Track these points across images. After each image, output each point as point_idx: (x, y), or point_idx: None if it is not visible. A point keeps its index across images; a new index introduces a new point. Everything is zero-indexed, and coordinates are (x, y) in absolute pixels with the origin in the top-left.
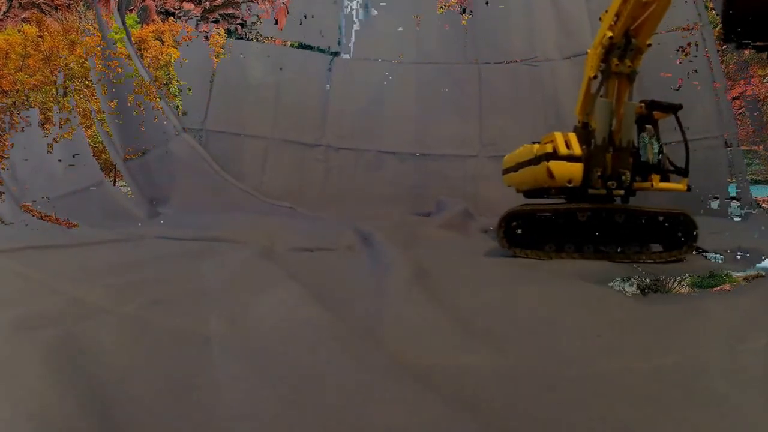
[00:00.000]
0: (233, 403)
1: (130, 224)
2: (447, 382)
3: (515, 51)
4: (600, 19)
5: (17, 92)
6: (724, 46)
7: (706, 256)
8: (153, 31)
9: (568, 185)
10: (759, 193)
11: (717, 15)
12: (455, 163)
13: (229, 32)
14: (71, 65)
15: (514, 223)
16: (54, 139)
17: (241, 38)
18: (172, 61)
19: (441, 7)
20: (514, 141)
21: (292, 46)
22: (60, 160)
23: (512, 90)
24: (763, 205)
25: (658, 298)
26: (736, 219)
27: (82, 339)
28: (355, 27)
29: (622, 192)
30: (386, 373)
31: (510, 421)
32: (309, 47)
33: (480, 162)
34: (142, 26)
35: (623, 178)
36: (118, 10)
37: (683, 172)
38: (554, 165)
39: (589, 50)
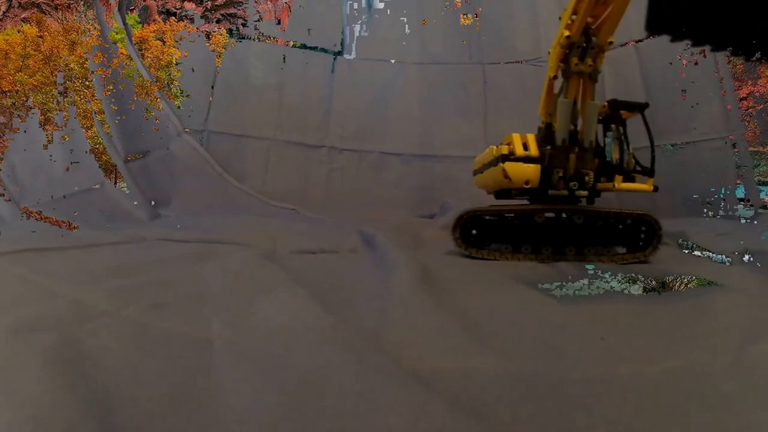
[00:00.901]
0: (235, 407)
1: (131, 226)
2: (452, 386)
3: (520, 51)
4: (559, 18)
5: (17, 93)
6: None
7: (712, 257)
8: (154, 31)
9: (525, 186)
10: (766, 194)
11: None
12: (460, 165)
13: (230, 32)
14: (71, 65)
15: (470, 225)
16: (52, 138)
17: (243, 38)
18: (174, 61)
19: (446, 7)
20: None
21: (294, 46)
22: (55, 161)
23: (517, 90)
24: None
25: (663, 299)
26: (744, 221)
27: (82, 342)
28: (359, 27)
29: (585, 193)
30: (390, 377)
31: (515, 425)
32: (312, 47)
33: None
34: (143, 26)
35: (586, 179)
36: (119, 9)
37: (649, 173)
38: (509, 166)
39: (550, 50)
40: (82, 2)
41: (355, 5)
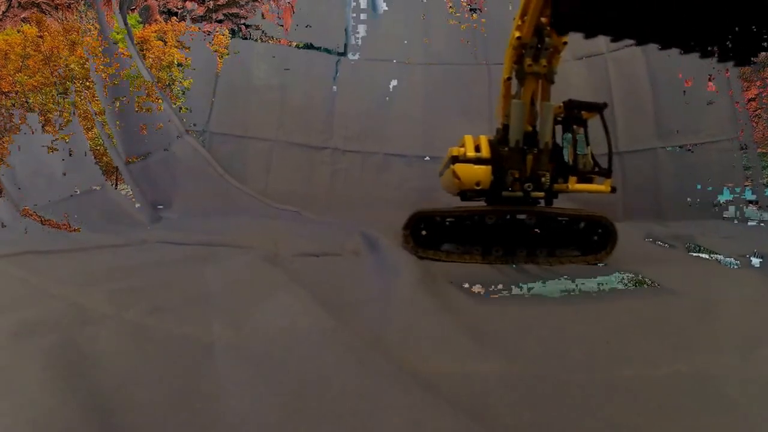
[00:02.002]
0: (236, 409)
1: (132, 228)
2: (455, 389)
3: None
4: (514, 18)
5: (17, 94)
6: None
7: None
8: (155, 31)
9: (476, 188)
10: None
11: None
12: None
13: (233, 32)
14: (72, 66)
15: (420, 225)
16: (52, 139)
17: (246, 38)
18: (175, 61)
19: (450, 7)
20: None
21: (297, 46)
22: (63, 159)
23: None
24: None
25: (667, 302)
26: (752, 223)
27: (82, 345)
28: (362, 27)
29: (542, 194)
30: (392, 380)
31: (518, 429)
32: (315, 48)
33: None
34: (144, 26)
35: (543, 180)
36: (120, 9)
37: (606, 173)
38: (460, 168)
39: (506, 51)
40: (82, 2)
41: (360, 5)
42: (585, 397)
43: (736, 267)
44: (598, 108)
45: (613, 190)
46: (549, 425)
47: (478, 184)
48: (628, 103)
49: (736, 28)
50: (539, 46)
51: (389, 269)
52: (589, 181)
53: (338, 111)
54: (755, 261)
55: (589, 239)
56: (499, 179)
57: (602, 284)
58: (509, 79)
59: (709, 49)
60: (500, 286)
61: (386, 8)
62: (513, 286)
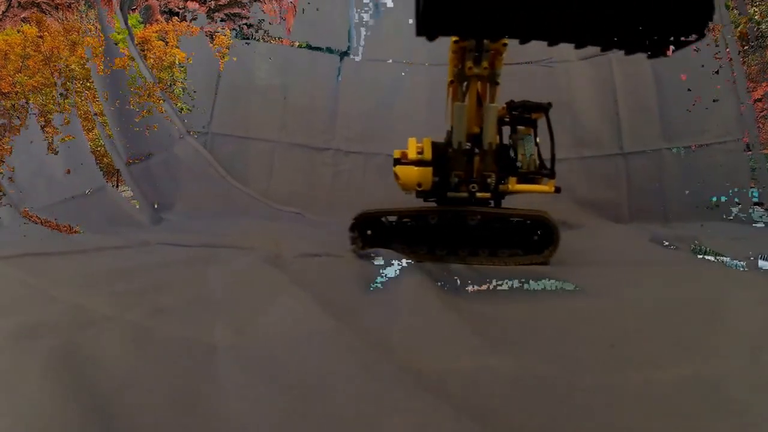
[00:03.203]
0: (239, 413)
1: (133, 230)
2: (459, 390)
3: (530, 52)
4: None
5: (16, 94)
6: (746, 47)
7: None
8: (156, 31)
9: (418, 189)
10: None
11: (738, 15)
12: None
13: (235, 32)
14: (72, 66)
15: (365, 225)
16: (53, 140)
17: (248, 38)
18: (176, 62)
19: None
20: None
21: (299, 46)
22: (55, 163)
23: (528, 91)
24: None
25: (671, 304)
26: (759, 225)
27: (84, 348)
28: (365, 28)
29: (488, 195)
30: (396, 382)
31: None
32: (317, 48)
33: None
34: (145, 26)
35: (488, 180)
36: (121, 9)
37: (549, 174)
38: (400, 169)
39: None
40: (83, 2)
41: (363, 5)
42: (592, 401)
43: (742, 269)
44: (542, 108)
45: (557, 190)
46: (555, 428)
47: (419, 185)
48: (633, 104)
49: (637, 20)
50: (479, 48)
51: (393, 269)
52: (532, 181)
53: (341, 112)
54: (762, 263)
55: (532, 239)
56: (443, 180)
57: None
58: (452, 82)
59: (614, 40)
60: (504, 285)
61: (391, 5)
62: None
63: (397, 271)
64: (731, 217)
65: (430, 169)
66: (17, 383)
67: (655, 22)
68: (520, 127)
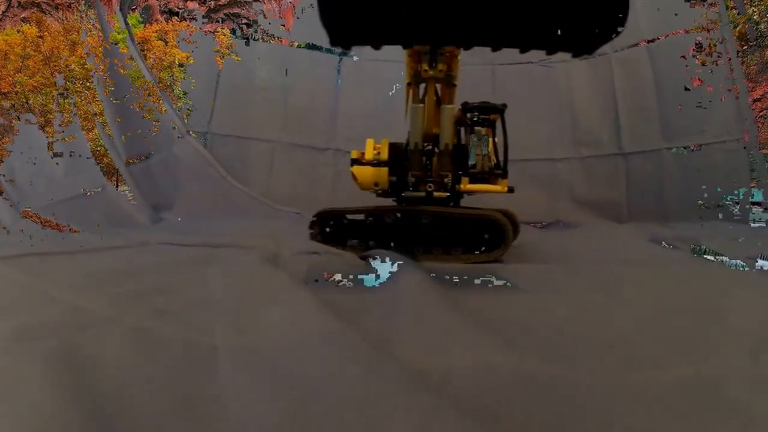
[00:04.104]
0: (240, 414)
1: (133, 230)
2: (461, 390)
3: (530, 52)
4: None
5: (16, 94)
6: (745, 47)
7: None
8: (156, 31)
9: (375, 188)
10: None
11: (738, 15)
12: None
13: (234, 32)
14: (72, 66)
15: (324, 222)
16: (52, 140)
17: (247, 38)
18: (176, 61)
19: None
20: (529, 144)
21: (299, 46)
22: (58, 163)
23: (527, 91)
24: None
25: (670, 304)
26: (757, 225)
27: (84, 349)
28: None
29: (445, 194)
30: (399, 383)
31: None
32: (317, 48)
33: None
34: (145, 26)
35: (446, 180)
36: (120, 9)
37: (502, 174)
38: (357, 170)
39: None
40: (83, 2)
41: None
42: (593, 401)
43: (741, 269)
44: (497, 110)
45: (510, 190)
46: (557, 428)
47: (376, 184)
48: (632, 104)
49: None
50: (434, 51)
51: (393, 267)
52: (486, 181)
53: (341, 112)
54: (761, 263)
55: (484, 237)
56: (400, 180)
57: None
58: (410, 84)
59: (531, 43)
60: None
61: None
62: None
63: (395, 270)
64: (730, 217)
65: (385, 170)
66: (17, 384)
67: (570, 24)
68: (478, 128)
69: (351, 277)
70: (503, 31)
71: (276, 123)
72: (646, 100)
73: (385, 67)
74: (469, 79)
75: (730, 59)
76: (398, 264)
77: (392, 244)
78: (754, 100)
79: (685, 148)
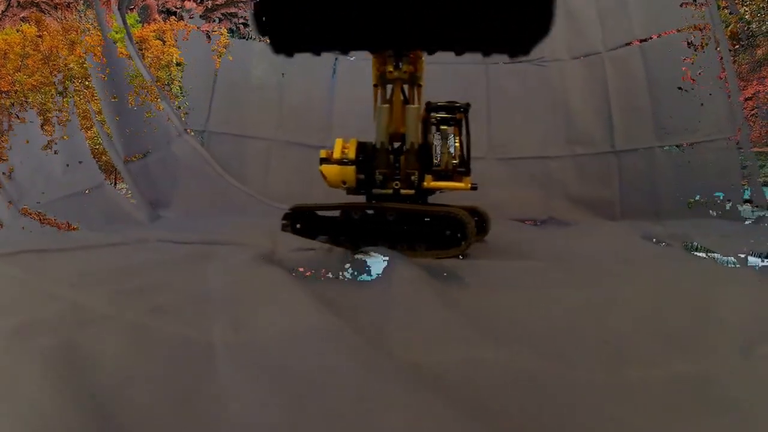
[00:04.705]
0: (238, 410)
1: (131, 227)
2: (456, 385)
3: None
4: None
5: (16, 93)
6: (737, 46)
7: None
8: (154, 31)
9: (343, 186)
10: None
11: (729, 14)
12: None
13: (231, 32)
14: (71, 65)
15: (295, 218)
16: (51, 139)
17: (244, 38)
18: (174, 61)
19: None
20: (523, 142)
21: None
22: (55, 161)
23: (521, 90)
24: None
25: (663, 300)
26: (749, 222)
27: (82, 346)
28: None
29: (412, 192)
30: (395, 378)
31: (521, 426)
32: None
33: (488, 163)
34: (143, 25)
35: (412, 178)
36: (119, 8)
37: (464, 172)
38: (325, 168)
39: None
40: (81, 1)
41: None
42: (587, 397)
43: (733, 266)
44: (461, 109)
45: (473, 187)
46: (552, 424)
47: (344, 182)
48: (625, 103)
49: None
50: (398, 53)
51: (388, 265)
52: (449, 178)
53: (336, 110)
54: (752, 260)
55: (446, 234)
56: (368, 178)
57: None
58: (376, 85)
59: (466, 45)
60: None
61: None
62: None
63: (389, 266)
64: (722, 214)
65: (352, 168)
66: (16, 381)
67: (501, 28)
68: (444, 127)
69: (348, 272)
70: (438, 35)
71: (272, 121)
72: (639, 99)
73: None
74: (463, 78)
75: (721, 58)
76: (391, 260)
77: (360, 239)
78: (746, 99)
79: (677, 146)
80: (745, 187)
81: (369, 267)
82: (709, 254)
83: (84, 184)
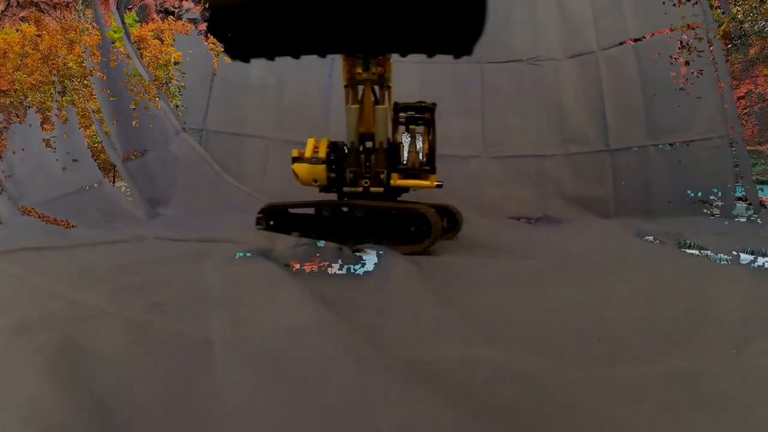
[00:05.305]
0: (235, 406)
1: (130, 225)
2: (451, 382)
3: (519, 50)
4: None
5: (15, 92)
6: (730, 45)
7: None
8: (152, 30)
9: (314, 184)
10: (765, 193)
11: (722, 14)
12: (458, 164)
13: None
14: (70, 64)
15: (269, 216)
16: (50, 137)
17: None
18: (172, 60)
19: None
20: (517, 141)
21: None
22: (57, 160)
23: (516, 89)
24: None
25: (656, 298)
26: (742, 220)
27: (81, 343)
28: None
29: (381, 189)
30: (391, 374)
31: (516, 422)
32: None
33: (483, 162)
34: (141, 25)
35: (381, 176)
36: (117, 8)
37: (430, 170)
38: (297, 167)
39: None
40: (80, 1)
41: None
42: (581, 394)
43: (726, 263)
44: (428, 109)
45: (439, 185)
46: (547, 421)
47: (315, 181)
48: (619, 102)
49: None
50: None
51: (384, 263)
52: (417, 176)
53: (334, 109)
54: (745, 257)
55: (411, 231)
56: (338, 177)
57: None
58: (347, 86)
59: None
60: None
61: None
62: None
63: (385, 263)
64: (715, 213)
65: (323, 167)
66: (16, 378)
67: (440, 29)
68: (412, 126)
69: (345, 267)
70: (382, 38)
71: (270, 120)
72: (632, 98)
73: None
74: (459, 78)
75: (714, 58)
76: (388, 258)
77: (329, 235)
78: (739, 98)
79: (670, 144)
80: (738, 185)
81: (365, 262)
82: (702, 252)
83: (83, 182)
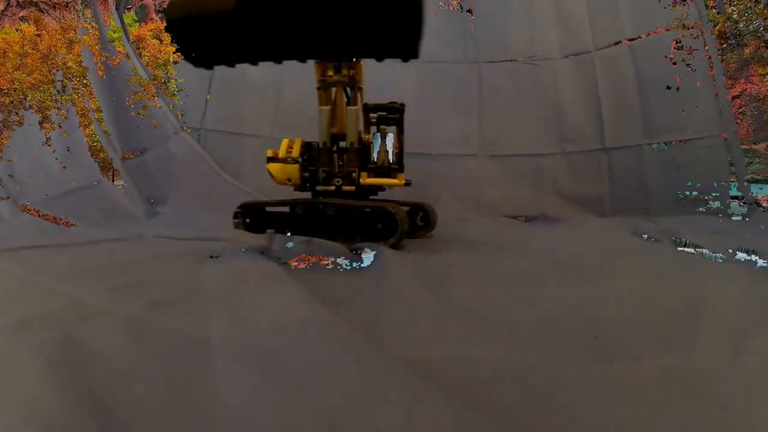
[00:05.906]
0: (234, 404)
1: (129, 223)
2: (448, 379)
3: (516, 49)
4: None
5: (15, 91)
6: (725, 45)
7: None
8: (151, 30)
9: (288, 183)
10: (759, 192)
11: (717, 13)
12: (455, 163)
13: None
14: (69, 64)
15: (245, 214)
16: (50, 136)
17: None
18: (171, 59)
19: (441, 5)
20: (515, 140)
21: None
22: (57, 159)
23: (513, 89)
24: (764, 204)
25: (653, 296)
26: (736, 218)
27: (80, 341)
28: None
29: (353, 188)
30: (390, 372)
31: (514, 421)
32: None
33: (480, 161)
34: (140, 25)
35: (353, 175)
36: (116, 8)
37: (398, 169)
38: (272, 167)
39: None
40: (79, 1)
41: None
42: (578, 391)
43: (721, 261)
44: (398, 110)
45: (407, 183)
46: (543, 419)
47: (289, 180)
48: (615, 101)
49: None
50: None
51: (382, 261)
52: (386, 175)
53: None
54: (740, 255)
55: (378, 228)
56: (312, 176)
57: None
58: (319, 88)
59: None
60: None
61: None
62: None
63: (383, 262)
64: (710, 211)
65: (296, 166)
66: (15, 376)
67: (382, 34)
68: (383, 126)
69: (343, 264)
70: (335, 44)
71: (268, 119)
72: (628, 97)
73: (373, 64)
74: (456, 77)
75: (709, 57)
76: (385, 256)
77: (302, 232)
78: (733, 97)
79: (666, 143)
80: (733, 183)
81: (363, 260)
82: (697, 250)
83: (82, 181)
